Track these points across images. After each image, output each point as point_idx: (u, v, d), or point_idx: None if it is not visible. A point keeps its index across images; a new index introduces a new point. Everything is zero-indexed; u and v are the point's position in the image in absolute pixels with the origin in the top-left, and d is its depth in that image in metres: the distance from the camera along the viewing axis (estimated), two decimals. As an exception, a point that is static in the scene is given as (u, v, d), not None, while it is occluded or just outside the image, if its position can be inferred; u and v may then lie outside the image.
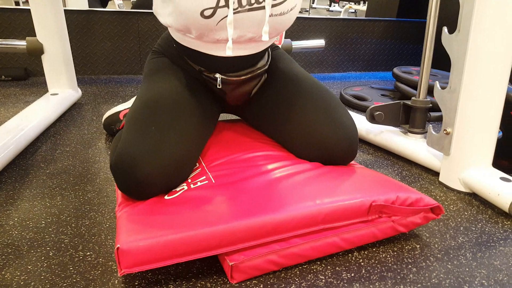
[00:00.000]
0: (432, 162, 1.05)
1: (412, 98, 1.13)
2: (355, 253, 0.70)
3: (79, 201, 0.82)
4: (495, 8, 0.84)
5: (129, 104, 1.12)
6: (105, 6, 2.65)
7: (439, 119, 1.19)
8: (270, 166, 0.81)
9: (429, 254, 0.71)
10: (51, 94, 1.34)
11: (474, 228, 0.80)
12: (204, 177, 0.78)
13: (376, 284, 0.62)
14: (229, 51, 0.71)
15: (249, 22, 0.71)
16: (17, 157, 1.01)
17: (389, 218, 0.71)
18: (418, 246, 0.73)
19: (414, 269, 0.67)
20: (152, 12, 1.89)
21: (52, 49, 1.34)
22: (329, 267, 0.66)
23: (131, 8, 2.35)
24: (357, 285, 0.62)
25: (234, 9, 0.69)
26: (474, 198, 0.92)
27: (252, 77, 0.87)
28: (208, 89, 0.90)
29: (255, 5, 0.70)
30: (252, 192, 0.70)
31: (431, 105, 1.12)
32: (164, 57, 0.92)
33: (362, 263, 0.67)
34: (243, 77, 0.85)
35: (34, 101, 1.42)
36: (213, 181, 0.75)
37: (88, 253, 0.66)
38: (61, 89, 1.39)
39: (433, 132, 1.01)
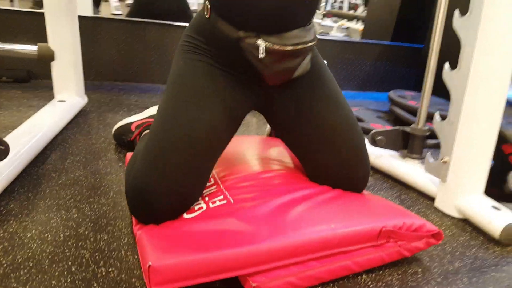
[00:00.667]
0: (429, 188, 1.11)
1: (412, 125, 1.19)
2: (363, 276, 0.74)
3: (95, 215, 0.84)
4: (495, 49, 0.91)
5: (141, 116, 1.15)
6: (97, 6, 2.64)
7: (436, 146, 1.26)
8: (285, 188, 0.85)
9: (430, 278, 0.76)
10: (58, 101, 1.35)
11: (468, 254, 0.86)
12: (222, 196, 0.82)
13: (385, 306, 0.67)
14: None
15: None
16: (28, 165, 1.02)
17: (396, 243, 0.76)
18: (420, 270, 0.78)
19: (418, 292, 0.72)
20: (159, 23, 1.92)
21: (63, 56, 1.35)
22: (340, 288, 0.70)
23: (128, 14, 2.36)
24: (367, 307, 0.66)
25: None
26: (468, 225, 0.98)
27: (297, 52, 0.78)
28: (244, 79, 0.82)
29: None
30: (271, 214, 0.74)
31: (429, 133, 1.18)
32: (198, 60, 0.81)
33: (371, 285, 0.72)
34: (288, 47, 0.75)
35: (38, 105, 1.42)
36: (232, 201, 0.79)
37: (110, 269, 0.68)
38: (69, 96, 1.40)
39: (431, 160, 1.07)
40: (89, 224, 0.80)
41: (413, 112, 1.71)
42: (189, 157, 0.74)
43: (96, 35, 1.84)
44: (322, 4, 7.17)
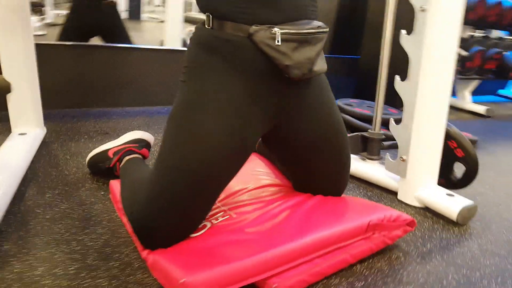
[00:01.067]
0: (390, 184, 1.26)
1: (369, 130, 1.34)
2: (357, 266, 0.84)
3: (97, 245, 0.84)
4: (437, 62, 1.09)
5: (118, 142, 1.15)
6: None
7: (391, 147, 1.42)
8: (275, 199, 0.93)
9: (411, 260, 0.88)
10: (18, 134, 1.29)
11: (435, 236, 1.01)
12: (222, 213, 0.87)
13: (379, 285, 0.77)
14: None
15: None
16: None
17: (380, 234, 0.87)
18: (401, 254, 0.90)
19: (405, 273, 0.83)
20: (110, 46, 1.89)
21: (20, 87, 1.30)
22: (343, 279, 0.79)
23: (60, 33, 2.27)
24: (369, 291, 0.76)
25: None
26: (428, 212, 1.14)
27: (314, 37, 0.78)
28: (261, 89, 0.80)
29: None
30: (273, 223, 0.81)
31: (384, 136, 1.34)
32: (206, 80, 0.78)
33: (366, 273, 0.82)
34: (303, 31, 0.76)
35: (-6, 141, 1.34)
36: (234, 216, 0.85)
37: (133, 293, 0.70)
38: (28, 128, 1.34)
39: (390, 159, 1.22)
40: (94, 254, 0.80)
41: (360, 118, 1.89)
42: (198, 190, 0.74)
43: (41, 62, 1.77)
44: None
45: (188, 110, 0.77)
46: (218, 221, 0.84)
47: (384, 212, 0.89)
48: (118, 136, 1.23)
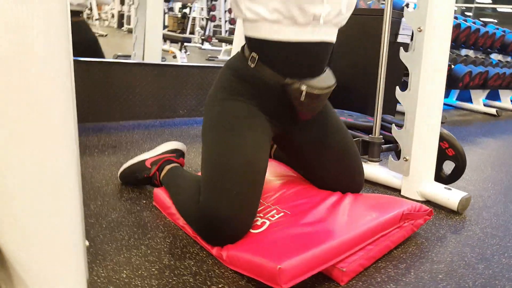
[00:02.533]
0: (393, 182, 1.42)
1: (370, 135, 1.51)
2: (394, 251, 0.98)
3: (165, 247, 0.89)
4: (434, 75, 1.28)
5: (154, 153, 1.19)
6: None
7: (389, 150, 1.59)
8: (318, 197, 1.04)
9: (433, 244, 1.04)
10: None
11: (443, 224, 1.17)
12: (275, 211, 0.97)
13: (418, 265, 0.91)
14: (322, 19, 0.89)
15: None
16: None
17: (409, 222, 1.02)
18: (423, 240, 1.06)
19: (433, 254, 0.98)
20: (103, 62, 1.90)
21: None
22: (387, 263, 0.92)
23: None
24: (412, 270, 0.89)
25: None
26: (429, 204, 1.31)
27: (327, 94, 0.99)
28: (276, 110, 0.99)
29: None
30: (328, 216, 0.93)
31: (383, 140, 1.51)
32: (238, 101, 0.97)
33: (404, 256, 0.96)
34: (324, 91, 0.96)
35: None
36: (289, 213, 0.95)
37: (220, 285, 0.77)
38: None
39: (393, 160, 1.39)
40: (167, 255, 0.86)
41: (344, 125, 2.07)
42: (251, 178, 0.89)
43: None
44: (201, 31, 7.53)
45: (226, 119, 0.96)
46: (275, 218, 0.94)
47: (410, 204, 1.03)
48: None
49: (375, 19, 2.41)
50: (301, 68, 0.94)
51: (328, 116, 1.10)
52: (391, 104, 2.72)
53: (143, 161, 1.18)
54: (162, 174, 1.13)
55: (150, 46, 2.49)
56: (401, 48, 1.33)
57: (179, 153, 1.20)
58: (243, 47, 1.00)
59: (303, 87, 0.93)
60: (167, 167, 1.14)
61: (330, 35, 0.96)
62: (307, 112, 1.00)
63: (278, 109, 0.99)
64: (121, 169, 1.21)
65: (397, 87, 1.36)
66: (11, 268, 0.49)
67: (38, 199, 0.50)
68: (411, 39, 1.31)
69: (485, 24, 3.94)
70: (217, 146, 0.93)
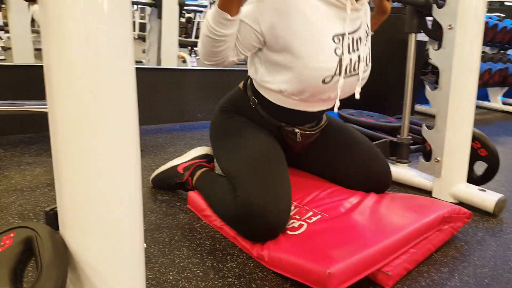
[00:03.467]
0: (423, 183, 1.40)
1: (398, 136, 1.49)
2: (435, 255, 0.96)
3: (206, 249, 0.89)
4: (465, 72, 1.25)
5: (186, 158, 1.20)
6: None
7: (418, 150, 1.57)
8: (352, 199, 1.03)
9: (473, 247, 1.02)
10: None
11: (480, 226, 1.15)
12: (311, 213, 0.96)
13: (461, 269, 0.89)
14: (336, 108, 0.97)
15: (349, 84, 0.96)
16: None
17: (449, 225, 1.00)
18: (463, 243, 1.04)
19: (475, 258, 0.96)
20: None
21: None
22: (430, 267, 0.91)
23: None
24: (456, 274, 0.88)
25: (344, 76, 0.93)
26: (463, 206, 1.29)
27: (317, 133, 1.11)
28: (279, 140, 1.08)
29: (353, 73, 0.96)
30: (367, 219, 0.92)
31: (412, 141, 1.49)
32: (239, 116, 1.08)
33: (445, 260, 0.94)
34: (316, 131, 1.08)
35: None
36: (327, 215, 0.94)
37: (265, 288, 0.77)
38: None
39: (424, 161, 1.37)
40: (209, 257, 0.86)
41: (366, 126, 2.05)
42: (275, 164, 0.95)
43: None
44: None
45: (237, 128, 1.06)
46: (312, 220, 0.93)
47: (449, 206, 1.02)
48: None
49: (389, 18, 2.40)
50: (298, 121, 1.05)
51: (331, 122, 1.17)
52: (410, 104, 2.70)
53: (175, 166, 1.18)
54: (195, 178, 1.13)
55: (166, 52, 2.50)
56: (430, 47, 1.31)
57: (210, 158, 1.21)
58: (245, 83, 1.07)
59: (297, 130, 1.04)
60: (199, 172, 1.14)
61: (332, 103, 1.02)
62: (302, 147, 1.11)
63: (277, 138, 1.07)
64: (153, 174, 1.21)
65: (427, 86, 1.34)
66: (80, 270, 0.50)
67: (105, 206, 0.50)
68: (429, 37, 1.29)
69: (501, 19, 3.88)
70: (233, 150, 1.01)
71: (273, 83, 0.95)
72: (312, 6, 0.88)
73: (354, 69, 0.96)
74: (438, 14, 1.29)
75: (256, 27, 0.89)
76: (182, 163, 1.19)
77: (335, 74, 0.91)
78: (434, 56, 1.30)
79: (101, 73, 0.48)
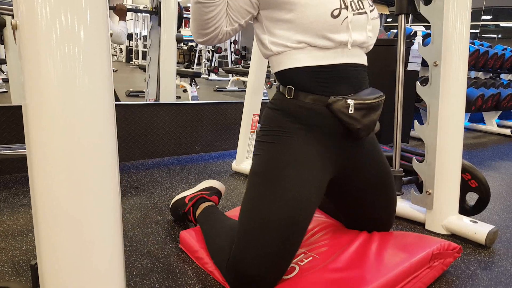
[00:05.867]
0: (416, 215, 1.41)
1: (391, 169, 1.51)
2: (426, 292, 0.96)
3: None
4: (452, 107, 1.29)
5: (194, 190, 1.24)
6: None
7: (410, 182, 1.59)
8: (344, 239, 1.04)
9: (465, 282, 1.02)
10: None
11: (472, 259, 1.15)
12: (303, 255, 0.97)
13: (457, 309, 0.89)
14: (349, 44, 0.91)
15: (359, 23, 0.93)
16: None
17: (439, 261, 1.00)
18: (454, 278, 1.04)
19: (466, 294, 0.96)
20: (120, 104, 1.96)
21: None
22: (421, 305, 0.90)
23: None
24: (447, 313, 0.88)
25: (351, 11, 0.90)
26: (456, 238, 1.29)
27: (377, 104, 0.96)
28: (331, 135, 0.94)
29: (360, 11, 0.93)
30: (356, 259, 0.92)
31: (404, 173, 1.51)
32: (286, 138, 0.92)
33: (437, 298, 0.94)
34: (370, 101, 0.93)
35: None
36: (317, 257, 0.95)
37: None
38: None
39: (416, 193, 1.38)
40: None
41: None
42: (290, 236, 0.85)
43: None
44: (207, 62, 7.73)
45: (274, 167, 0.91)
46: (304, 263, 0.93)
47: (438, 242, 1.02)
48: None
49: (386, 49, 2.46)
50: (340, 88, 0.92)
51: (375, 152, 1.06)
52: (404, 130, 2.73)
53: (184, 197, 1.22)
54: (198, 212, 1.15)
55: (164, 87, 2.57)
56: (418, 83, 1.35)
57: (213, 191, 1.23)
58: (278, 87, 1.00)
59: (349, 101, 0.90)
60: (202, 205, 1.16)
61: (359, 57, 0.96)
62: (363, 128, 0.94)
63: (329, 138, 0.94)
64: (171, 203, 1.27)
65: (416, 121, 1.37)
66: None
67: (82, 248, 0.51)
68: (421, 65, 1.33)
69: (492, 45, 3.98)
70: (259, 197, 0.89)
71: (287, 39, 0.90)
72: None
73: (360, 7, 0.93)
74: (423, 51, 1.33)
75: None
76: (190, 194, 1.23)
77: (341, 7, 0.88)
78: (422, 92, 1.34)
79: (78, 110, 0.50)
